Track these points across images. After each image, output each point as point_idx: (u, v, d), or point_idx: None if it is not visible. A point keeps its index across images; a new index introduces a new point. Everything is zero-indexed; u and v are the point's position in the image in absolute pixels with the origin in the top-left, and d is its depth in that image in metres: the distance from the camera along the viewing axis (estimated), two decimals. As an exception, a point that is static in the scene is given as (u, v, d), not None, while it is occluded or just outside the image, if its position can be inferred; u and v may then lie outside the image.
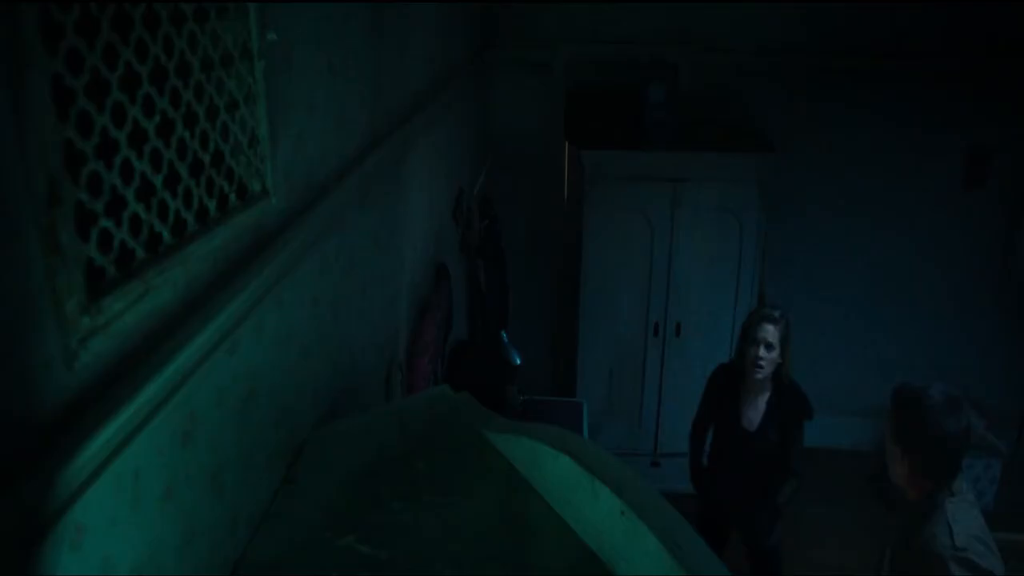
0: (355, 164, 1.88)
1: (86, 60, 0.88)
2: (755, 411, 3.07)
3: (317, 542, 1.29)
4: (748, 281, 4.19)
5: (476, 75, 4.00)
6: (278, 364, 1.43)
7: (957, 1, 3.86)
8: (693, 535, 1.14)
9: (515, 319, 4.23)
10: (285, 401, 1.47)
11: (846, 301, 4.43)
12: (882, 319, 4.42)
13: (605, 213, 4.15)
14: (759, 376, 2.96)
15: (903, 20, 3.96)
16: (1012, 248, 4.25)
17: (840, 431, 4.46)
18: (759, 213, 4.05)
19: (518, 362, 2.94)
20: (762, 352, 2.92)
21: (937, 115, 4.06)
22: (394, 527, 1.35)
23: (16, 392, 0.78)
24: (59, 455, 0.81)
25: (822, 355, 4.47)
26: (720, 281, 4.21)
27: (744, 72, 4.16)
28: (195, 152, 1.11)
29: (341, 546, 1.28)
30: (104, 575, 0.90)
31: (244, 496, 1.29)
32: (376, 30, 2.07)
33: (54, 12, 0.83)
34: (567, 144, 4.43)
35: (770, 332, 2.92)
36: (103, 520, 0.90)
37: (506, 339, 3.04)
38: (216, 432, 1.18)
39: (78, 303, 0.86)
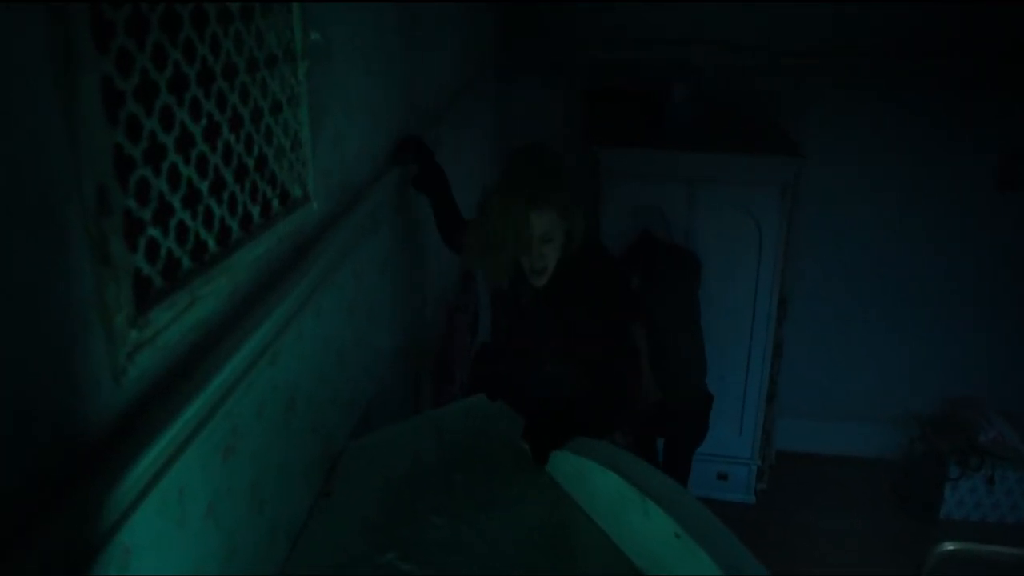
0: (390, 165, 1.84)
1: (136, 61, 0.85)
2: None
3: (357, 559, 1.25)
4: (767, 286, 4.11)
5: (497, 76, 3.96)
6: (315, 372, 1.40)
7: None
8: (753, 561, 1.09)
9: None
10: (321, 409, 1.44)
11: (872, 306, 4.36)
12: (910, 324, 4.34)
13: (621, 212, 4.09)
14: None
15: (934, 19, 3.89)
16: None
17: (865, 439, 4.40)
18: (780, 217, 3.98)
19: (544, 366, 2.88)
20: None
21: (971, 115, 3.97)
22: (435, 543, 1.31)
23: (65, 410, 0.75)
24: (107, 476, 0.77)
25: (847, 361, 4.40)
26: (739, 285, 4.14)
27: (769, 73, 4.10)
28: (240, 156, 1.07)
29: (382, 563, 1.24)
30: (150, 599, 0.86)
31: (283, 509, 1.25)
32: (408, 28, 2.03)
33: (105, 10, 0.79)
34: (585, 144, 4.38)
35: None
36: (150, 540, 0.86)
37: (531, 343, 2.99)
38: (256, 445, 1.14)
39: (127, 316, 0.82)
